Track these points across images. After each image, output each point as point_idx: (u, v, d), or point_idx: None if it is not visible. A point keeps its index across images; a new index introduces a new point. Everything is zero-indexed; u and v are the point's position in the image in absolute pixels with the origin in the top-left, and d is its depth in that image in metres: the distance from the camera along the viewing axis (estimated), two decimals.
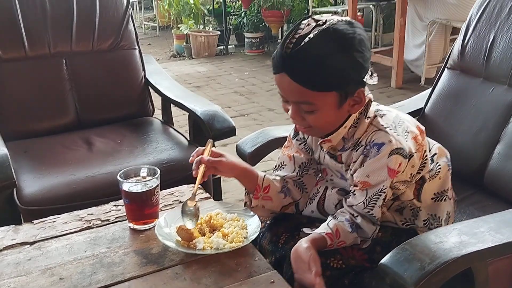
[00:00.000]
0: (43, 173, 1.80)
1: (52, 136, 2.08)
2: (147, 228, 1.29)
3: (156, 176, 1.28)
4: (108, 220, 1.35)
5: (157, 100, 2.34)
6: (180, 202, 1.43)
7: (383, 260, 1.05)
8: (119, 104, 2.26)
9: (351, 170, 1.23)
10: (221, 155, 1.27)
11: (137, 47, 2.32)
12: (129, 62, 2.29)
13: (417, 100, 1.87)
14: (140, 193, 1.27)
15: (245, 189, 1.37)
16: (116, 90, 2.25)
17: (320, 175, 1.40)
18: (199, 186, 1.52)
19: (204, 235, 1.23)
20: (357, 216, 1.21)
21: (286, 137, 1.64)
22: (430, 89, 1.80)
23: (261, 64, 5.53)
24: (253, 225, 1.25)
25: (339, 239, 1.20)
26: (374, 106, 1.23)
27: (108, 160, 1.88)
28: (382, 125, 1.19)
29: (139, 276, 1.13)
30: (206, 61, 5.65)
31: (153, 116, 2.34)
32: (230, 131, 1.86)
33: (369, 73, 1.16)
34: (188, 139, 2.08)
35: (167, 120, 2.31)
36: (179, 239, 1.21)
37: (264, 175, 1.35)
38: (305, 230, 1.26)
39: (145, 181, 1.28)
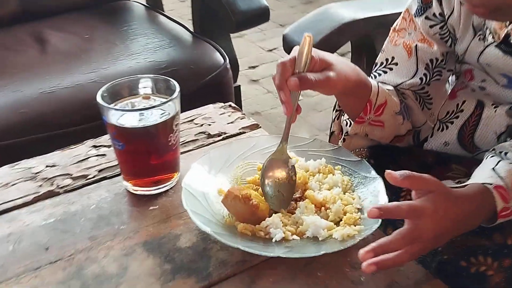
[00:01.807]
0: None
1: None
2: (161, 191, 0.69)
3: (174, 96, 0.66)
4: (85, 176, 0.74)
5: None
6: (209, 135, 0.82)
7: None
8: None
9: None
10: (328, 64, 0.65)
11: None
12: None
13: None
14: (147, 128, 0.65)
15: (336, 107, 0.78)
16: None
17: (455, 80, 0.81)
18: (232, 104, 0.92)
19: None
20: None
21: (365, 19, 1.01)
22: None
23: None
24: (367, 182, 0.66)
25: None
26: None
27: (74, 65, 1.22)
28: None
29: None
30: None
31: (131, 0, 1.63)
32: (261, 15, 1.20)
33: None
34: (192, 30, 1.41)
35: (154, 4, 1.61)
36: (231, 217, 0.62)
37: (379, 86, 0.74)
38: (445, 182, 0.67)
39: (155, 106, 0.66)
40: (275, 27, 2.72)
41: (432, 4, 0.75)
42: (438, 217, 0.56)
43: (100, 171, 0.75)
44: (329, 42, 0.97)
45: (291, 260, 0.58)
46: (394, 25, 0.80)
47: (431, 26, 0.76)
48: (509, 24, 0.65)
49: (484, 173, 0.65)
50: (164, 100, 0.65)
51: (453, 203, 0.58)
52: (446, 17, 0.74)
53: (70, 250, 0.61)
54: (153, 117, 0.65)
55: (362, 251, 0.52)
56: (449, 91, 0.82)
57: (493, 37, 0.69)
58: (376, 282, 0.57)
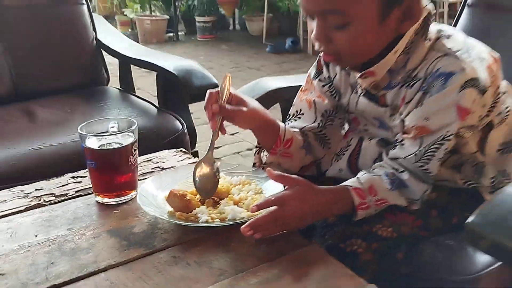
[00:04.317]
0: None
1: None
2: (121, 201, 0.93)
3: (132, 129, 0.92)
4: (65, 195, 0.98)
5: (112, 65, 1.95)
6: (163, 168, 1.08)
7: (470, 220, 0.75)
8: (65, 70, 1.85)
9: (400, 114, 0.92)
10: (242, 101, 0.94)
11: (85, 2, 1.91)
12: (76, 19, 1.88)
13: None
14: (112, 150, 0.91)
15: (257, 145, 1.04)
16: (60, 54, 1.85)
17: (347, 126, 1.10)
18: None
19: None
20: (403, 171, 0.91)
21: (286, 88, 1.33)
22: None
23: (215, 48, 5.17)
24: (272, 188, 0.92)
25: (375, 197, 0.89)
26: (435, 26, 0.92)
27: (57, 130, 1.48)
28: (449, 48, 0.88)
29: (119, 264, 0.77)
30: (156, 47, 5.21)
31: (108, 85, 1.95)
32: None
33: None
34: (157, 105, 1.71)
35: (127, 87, 1.92)
36: (172, 210, 0.86)
37: (285, 126, 1.03)
38: None
39: (118, 133, 0.92)
40: None
41: (323, 70, 1.06)
42: (299, 203, 0.82)
43: (77, 191, 0.99)
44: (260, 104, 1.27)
45: (213, 238, 0.82)
46: (302, 87, 1.11)
47: (323, 86, 1.06)
48: (364, 77, 0.95)
49: (350, 181, 0.91)
50: (124, 131, 0.92)
51: (313, 194, 0.84)
52: (332, 79, 1.05)
53: (52, 234, 0.84)
54: (117, 143, 0.92)
55: (243, 227, 0.78)
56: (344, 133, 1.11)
57: (361, 89, 0.99)
58: (267, 248, 0.80)
